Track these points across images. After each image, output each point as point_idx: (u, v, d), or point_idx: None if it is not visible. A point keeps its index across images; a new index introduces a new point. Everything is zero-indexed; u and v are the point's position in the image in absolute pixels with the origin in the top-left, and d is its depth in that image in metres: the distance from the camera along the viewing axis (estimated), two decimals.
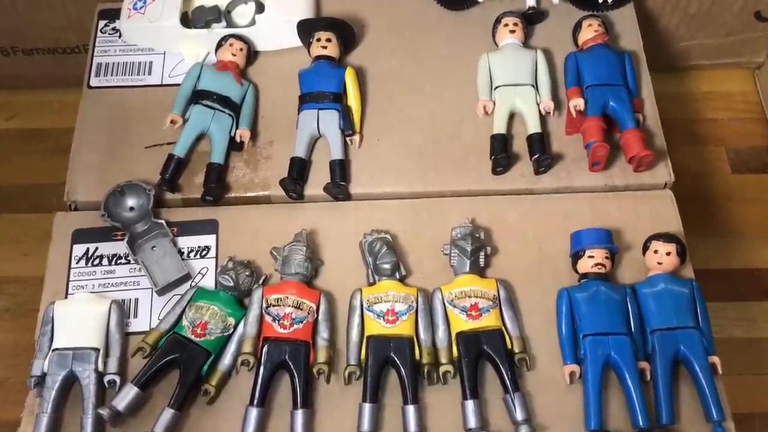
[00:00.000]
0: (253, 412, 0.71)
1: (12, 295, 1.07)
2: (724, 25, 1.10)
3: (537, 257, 0.82)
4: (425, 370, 0.74)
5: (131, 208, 0.83)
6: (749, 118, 1.18)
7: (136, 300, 0.80)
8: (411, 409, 0.72)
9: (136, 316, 0.79)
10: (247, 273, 0.78)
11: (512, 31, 0.91)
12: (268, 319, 0.75)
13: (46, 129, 1.18)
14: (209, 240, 0.83)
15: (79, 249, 0.82)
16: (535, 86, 0.88)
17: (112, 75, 0.93)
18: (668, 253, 0.77)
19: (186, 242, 0.83)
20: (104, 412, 0.70)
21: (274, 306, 0.75)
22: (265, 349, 0.74)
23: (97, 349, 0.74)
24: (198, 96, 0.87)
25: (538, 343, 0.78)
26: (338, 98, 0.87)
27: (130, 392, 0.72)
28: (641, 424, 0.71)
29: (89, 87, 0.93)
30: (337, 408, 0.74)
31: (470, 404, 0.72)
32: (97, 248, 0.82)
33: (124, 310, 0.78)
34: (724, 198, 1.12)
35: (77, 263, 0.82)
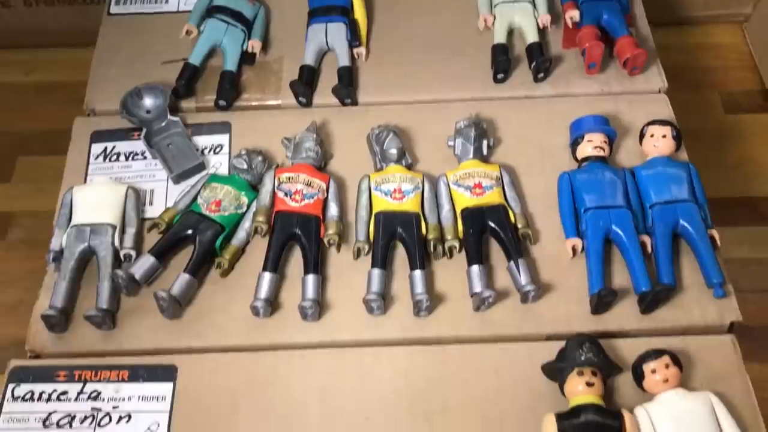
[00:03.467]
0: (267, 276, 0.74)
1: (27, 228, 1.10)
2: None
3: (538, 151, 0.85)
4: (431, 244, 0.76)
5: (148, 111, 0.86)
6: (740, 66, 1.22)
7: (152, 191, 0.82)
8: (418, 273, 0.74)
9: (151, 204, 0.81)
10: (260, 159, 0.81)
11: None
12: (279, 194, 0.78)
13: (64, 82, 1.23)
14: (222, 139, 0.86)
15: (97, 147, 0.86)
16: (533, 3, 0.93)
17: (131, 4, 0.98)
18: (664, 136, 0.81)
19: (200, 141, 0.86)
20: (120, 273, 0.72)
21: (285, 183, 0.78)
22: (277, 220, 0.76)
23: (113, 226, 0.77)
24: (213, 10, 0.91)
25: (541, 225, 0.80)
26: (345, 12, 0.91)
27: (146, 261, 0.74)
28: (643, 287, 0.73)
29: (109, 14, 0.98)
30: (346, 280, 0.76)
31: (475, 269, 0.74)
32: (114, 146, 0.86)
33: (140, 195, 0.81)
34: (720, 137, 1.16)
35: (95, 160, 0.85)
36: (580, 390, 0.66)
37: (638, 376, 0.68)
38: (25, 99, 1.23)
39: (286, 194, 0.77)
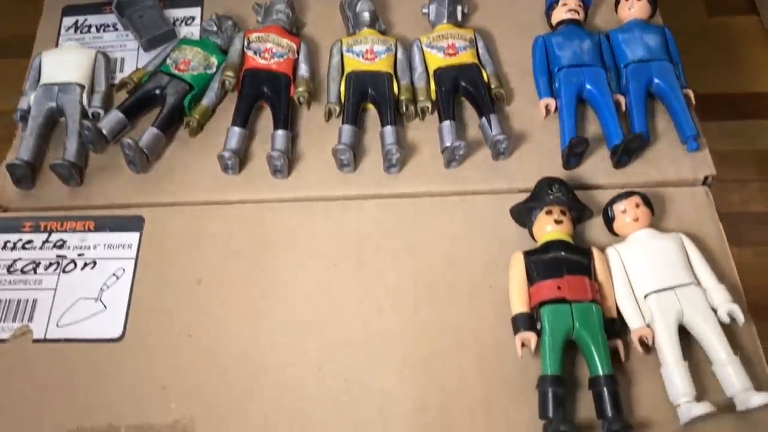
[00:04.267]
0: (235, 130, 0.73)
1: (4, 126, 1.08)
2: None
3: (513, 21, 0.84)
4: (404, 105, 0.75)
5: None
6: None
7: (123, 59, 0.82)
8: (389, 128, 0.73)
9: (122, 71, 0.81)
10: (230, 23, 0.80)
11: None
12: (249, 53, 0.77)
13: None
14: (194, 11, 0.85)
15: (68, 20, 0.85)
16: None
17: None
18: None
19: (172, 14, 0.85)
20: (87, 123, 0.71)
21: (255, 42, 0.77)
22: (246, 77, 0.75)
23: (82, 86, 0.76)
24: None
25: (515, 90, 0.79)
26: None
27: (114, 117, 0.73)
28: (616, 140, 0.72)
29: None
30: (317, 140, 0.75)
31: (446, 124, 0.73)
32: (86, 19, 0.85)
33: (110, 60, 0.80)
34: (703, 37, 1.14)
35: (66, 31, 0.84)
36: (549, 229, 0.65)
37: (609, 219, 0.67)
38: (2, 5, 1.22)
39: (255, 53, 0.76)
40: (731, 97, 1.08)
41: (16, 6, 1.24)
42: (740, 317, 0.61)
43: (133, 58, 0.82)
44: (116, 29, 0.84)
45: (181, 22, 0.84)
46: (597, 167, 0.73)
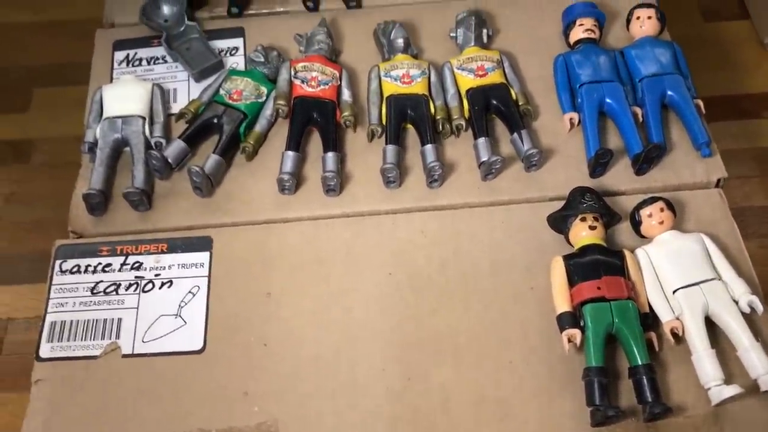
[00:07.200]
0: (290, 154, 0.79)
1: (48, 152, 1.15)
2: None
3: (533, 40, 0.91)
4: (440, 124, 0.82)
5: (166, 20, 0.91)
6: None
7: (175, 90, 0.88)
8: (429, 146, 0.80)
9: (175, 101, 0.87)
10: (275, 53, 0.86)
11: None
12: (296, 82, 0.83)
13: (73, 20, 1.28)
14: (237, 42, 0.91)
15: (119, 55, 0.91)
16: None
17: None
18: (649, 17, 0.87)
19: (216, 45, 0.91)
20: (154, 153, 0.77)
21: (301, 72, 0.84)
22: (296, 105, 0.82)
23: (143, 117, 0.82)
24: None
25: (540, 106, 0.86)
26: None
27: (178, 145, 0.80)
28: (636, 149, 0.79)
29: None
30: (363, 160, 0.82)
31: (482, 140, 0.80)
32: (136, 53, 0.91)
33: (165, 91, 0.86)
34: (700, 43, 1.22)
35: (119, 65, 0.90)
36: (584, 234, 0.72)
37: (636, 223, 0.75)
38: (37, 36, 1.28)
39: (302, 81, 0.83)
40: (729, 98, 1.16)
41: (51, 35, 1.29)
42: (759, 307, 0.68)
43: (184, 88, 0.88)
44: (166, 62, 0.90)
45: (226, 52, 0.91)
46: (619, 175, 0.81)
